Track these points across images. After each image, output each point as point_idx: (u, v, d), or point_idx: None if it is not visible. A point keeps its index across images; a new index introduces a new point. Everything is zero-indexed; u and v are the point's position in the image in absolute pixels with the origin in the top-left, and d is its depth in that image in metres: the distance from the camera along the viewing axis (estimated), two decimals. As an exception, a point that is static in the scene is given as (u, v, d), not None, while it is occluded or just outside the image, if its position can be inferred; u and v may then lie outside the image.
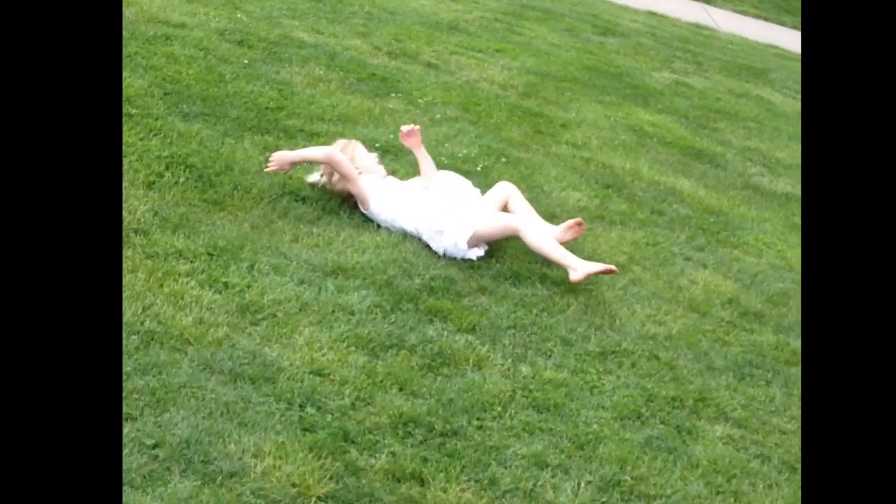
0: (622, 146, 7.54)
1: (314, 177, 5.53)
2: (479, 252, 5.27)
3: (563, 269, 5.17)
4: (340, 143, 5.67)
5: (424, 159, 5.78)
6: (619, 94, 8.97)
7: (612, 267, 5.24)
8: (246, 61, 6.91)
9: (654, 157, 7.54)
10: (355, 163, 5.47)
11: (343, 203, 5.40)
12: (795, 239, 6.68)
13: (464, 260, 5.18)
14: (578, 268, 5.12)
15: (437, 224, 5.21)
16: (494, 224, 5.33)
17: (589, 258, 5.49)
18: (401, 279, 4.79)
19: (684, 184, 7.13)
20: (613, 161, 7.15)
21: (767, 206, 7.20)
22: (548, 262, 5.29)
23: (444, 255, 5.17)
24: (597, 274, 5.17)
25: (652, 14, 13.61)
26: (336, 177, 5.43)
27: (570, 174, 6.66)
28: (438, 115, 7.07)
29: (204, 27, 7.31)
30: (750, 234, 6.54)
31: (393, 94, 7.20)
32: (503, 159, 6.57)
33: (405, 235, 5.21)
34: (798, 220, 7.08)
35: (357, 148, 5.62)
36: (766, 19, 15.03)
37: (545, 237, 5.30)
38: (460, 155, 6.42)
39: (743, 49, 12.83)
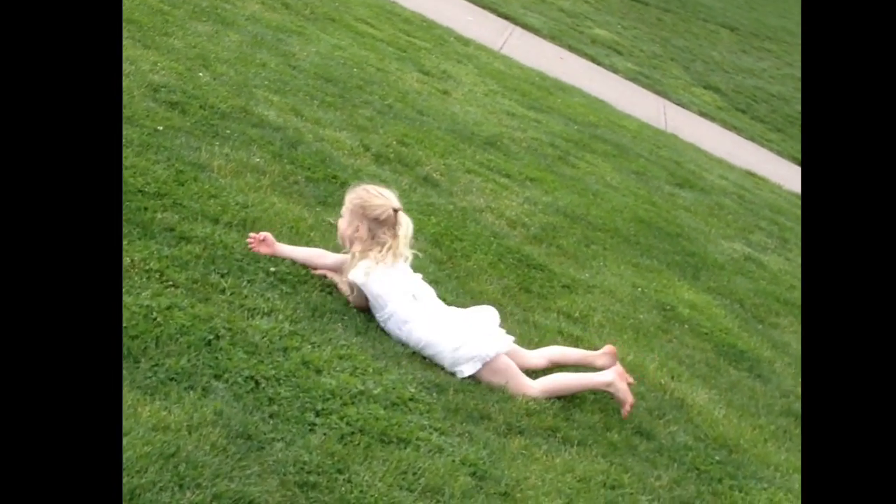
0: (634, 329, 5.74)
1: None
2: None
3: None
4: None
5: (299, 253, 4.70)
6: (663, 260, 7.19)
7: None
8: (160, 128, 5.31)
9: (673, 350, 5.72)
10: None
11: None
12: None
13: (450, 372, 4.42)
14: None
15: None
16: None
17: (503, 494, 3.75)
18: (161, 491, 3.04)
19: (700, 396, 5.29)
20: (612, 348, 5.36)
21: (806, 449, 5.32)
22: (427, 492, 3.55)
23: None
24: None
25: (749, 174, 11.81)
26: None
27: (539, 357, 4.88)
28: (395, 245, 5.36)
29: (137, 76, 5.75)
30: (766, 489, 4.67)
31: (345, 207, 5.52)
32: (451, 320, 4.83)
33: (219, 413, 3.48)
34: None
35: None
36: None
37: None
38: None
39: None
